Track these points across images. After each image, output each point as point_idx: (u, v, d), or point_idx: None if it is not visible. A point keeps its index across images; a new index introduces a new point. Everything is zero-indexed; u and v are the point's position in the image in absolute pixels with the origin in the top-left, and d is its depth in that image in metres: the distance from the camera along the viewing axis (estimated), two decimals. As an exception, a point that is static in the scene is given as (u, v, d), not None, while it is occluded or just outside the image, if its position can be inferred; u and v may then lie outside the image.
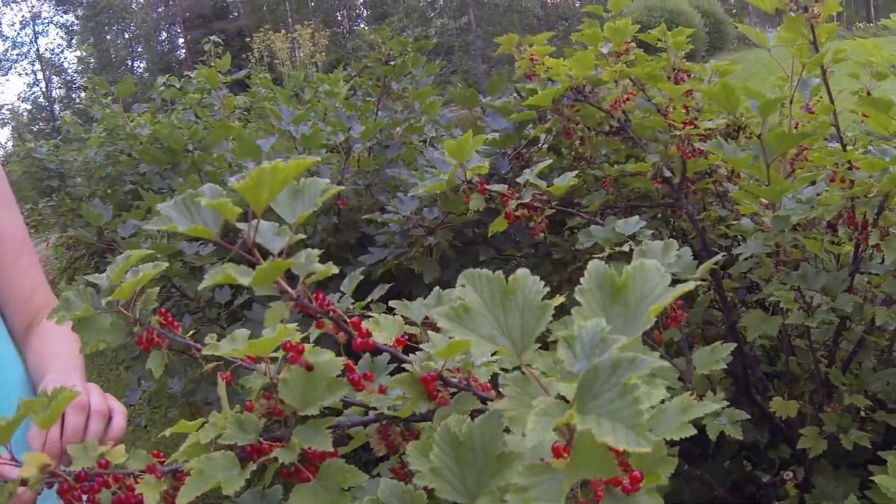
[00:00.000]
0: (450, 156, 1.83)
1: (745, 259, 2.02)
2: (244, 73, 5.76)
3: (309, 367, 1.06)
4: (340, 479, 0.98)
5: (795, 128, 2.11)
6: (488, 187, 1.91)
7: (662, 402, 0.90)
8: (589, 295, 0.80)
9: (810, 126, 1.93)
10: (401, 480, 0.94)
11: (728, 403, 1.52)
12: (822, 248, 1.98)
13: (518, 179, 1.93)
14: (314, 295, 1.00)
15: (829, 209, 1.82)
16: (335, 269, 0.99)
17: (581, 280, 0.81)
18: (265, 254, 0.95)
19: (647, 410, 0.61)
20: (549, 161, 2.03)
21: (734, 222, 2.18)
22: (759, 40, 2.03)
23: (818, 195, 1.93)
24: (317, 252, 0.98)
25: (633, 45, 2.45)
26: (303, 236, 0.96)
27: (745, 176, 2.42)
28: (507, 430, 0.79)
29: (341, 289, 2.01)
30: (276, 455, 0.98)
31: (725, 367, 1.58)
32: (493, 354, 1.00)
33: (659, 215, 2.64)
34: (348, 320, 1.03)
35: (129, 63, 42.46)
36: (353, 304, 1.93)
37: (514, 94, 3.28)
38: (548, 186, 1.90)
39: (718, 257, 1.59)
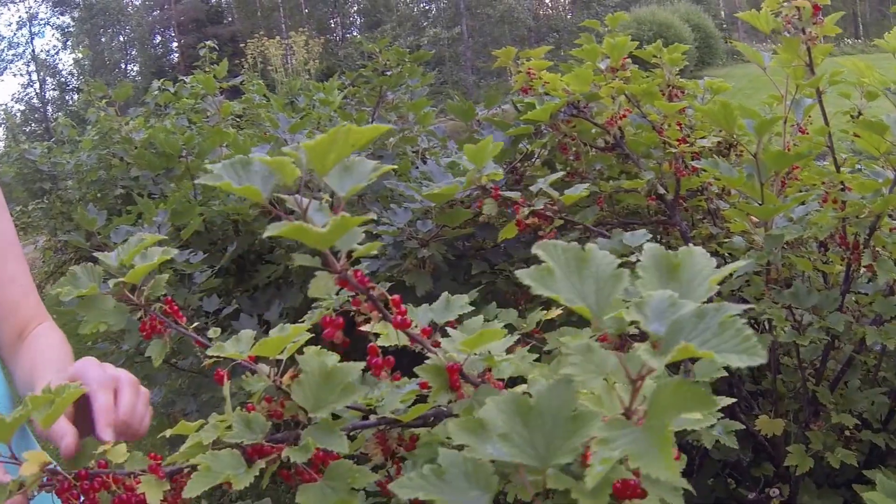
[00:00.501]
0: (469, 160, 1.84)
1: (737, 275, 2.02)
2: (240, 79, 5.74)
3: (346, 343, 1.05)
4: (350, 479, 0.98)
5: (789, 148, 2.12)
6: (502, 193, 1.92)
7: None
8: (648, 272, 0.84)
9: (805, 147, 1.94)
10: (386, 494, 0.94)
11: (722, 415, 1.53)
12: (813, 266, 1.99)
13: (531, 188, 1.94)
14: (354, 272, 0.99)
15: (822, 229, 1.83)
16: (375, 250, 0.99)
17: (640, 259, 0.86)
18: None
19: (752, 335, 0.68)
20: (561, 174, 2.05)
21: (726, 240, 2.19)
22: (756, 59, 2.04)
23: (808, 214, 1.94)
24: (361, 229, 0.95)
25: (629, 60, 2.46)
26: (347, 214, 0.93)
27: (735, 193, 2.43)
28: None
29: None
30: (287, 454, 0.98)
31: (711, 384, 1.58)
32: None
33: (649, 232, 2.65)
34: (388, 297, 1.02)
35: (123, 66, 42.36)
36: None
37: (500, 108, 3.29)
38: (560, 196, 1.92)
39: (740, 263, 1.60)
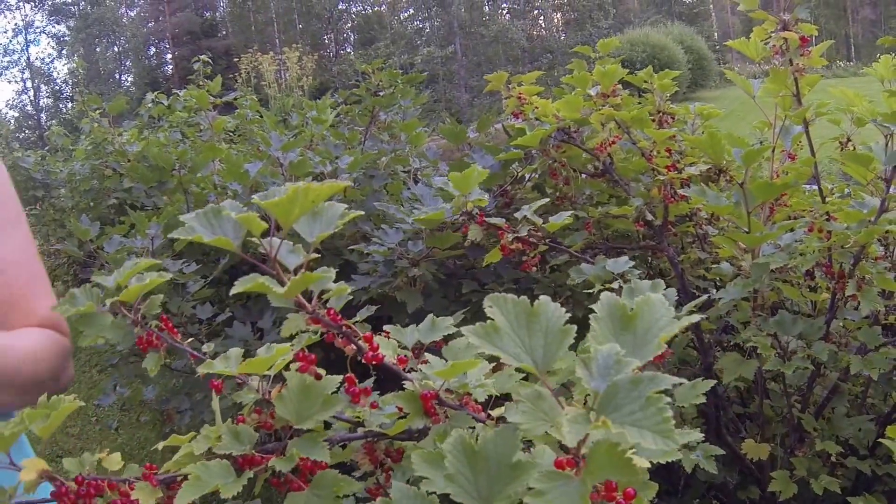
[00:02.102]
0: (454, 187, 1.87)
1: (724, 302, 2.04)
2: (234, 95, 5.76)
3: (318, 377, 1.10)
4: (335, 488, 1.01)
5: (777, 175, 2.14)
6: (487, 219, 1.94)
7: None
8: (601, 322, 0.86)
9: (791, 177, 1.96)
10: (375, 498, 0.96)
11: (703, 439, 1.54)
12: (800, 294, 2.01)
13: (516, 215, 1.97)
14: (326, 311, 1.06)
15: (807, 259, 1.85)
16: (348, 289, 1.07)
17: (594, 308, 0.87)
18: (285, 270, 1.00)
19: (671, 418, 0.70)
20: (546, 200, 2.07)
21: (714, 265, 2.21)
22: (745, 87, 2.07)
23: (797, 242, 1.96)
24: (333, 271, 1.04)
25: (619, 86, 2.48)
26: (316, 255, 1.02)
27: (724, 219, 2.45)
28: (527, 446, 0.83)
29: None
30: (272, 464, 1.02)
31: (697, 406, 1.60)
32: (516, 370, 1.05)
33: (637, 256, 2.66)
34: (360, 334, 1.07)
35: (118, 76, 42.41)
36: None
37: (494, 128, 3.31)
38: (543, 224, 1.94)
39: (702, 299, 1.62)
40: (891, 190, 1.78)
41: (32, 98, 42.89)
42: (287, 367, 1.16)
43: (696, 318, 0.87)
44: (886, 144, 1.86)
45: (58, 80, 42.33)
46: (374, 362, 1.06)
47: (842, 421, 1.96)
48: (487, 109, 28.50)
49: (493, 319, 0.85)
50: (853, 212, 1.76)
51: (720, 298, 1.99)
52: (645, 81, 2.57)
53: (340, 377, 1.11)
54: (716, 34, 45.13)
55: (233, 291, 0.93)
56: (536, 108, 2.48)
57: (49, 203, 7.91)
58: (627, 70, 2.47)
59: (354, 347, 1.07)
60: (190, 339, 1.48)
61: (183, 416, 3.17)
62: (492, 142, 3.03)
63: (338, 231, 2.83)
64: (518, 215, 1.95)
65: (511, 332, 0.85)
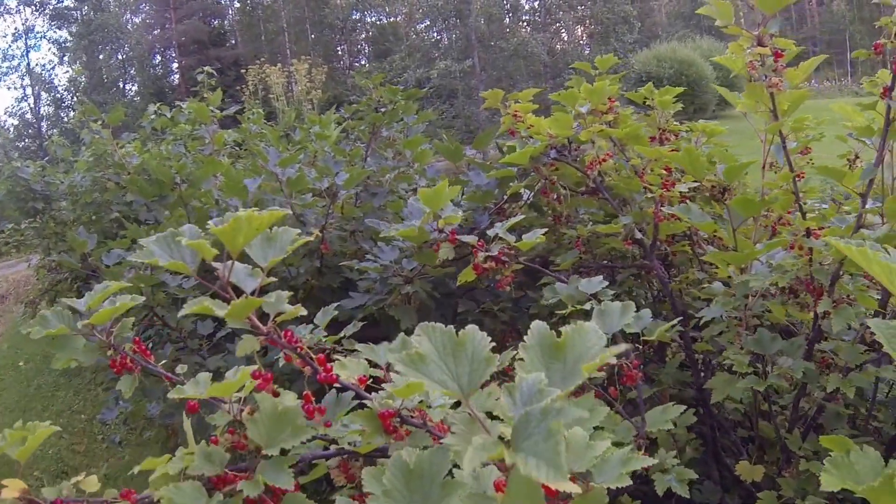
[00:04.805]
0: (424, 204, 1.94)
1: (717, 323, 2.12)
2: (235, 108, 5.89)
3: (275, 394, 1.20)
4: None
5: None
6: (458, 237, 2.02)
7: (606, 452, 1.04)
8: (531, 351, 0.93)
9: (774, 193, 2.06)
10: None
11: (678, 462, 1.64)
12: (786, 314, 2.08)
13: (489, 232, 2.04)
14: (283, 332, 1.15)
15: (785, 276, 1.92)
16: (303, 311, 1.17)
17: (525, 337, 0.94)
18: (240, 292, 1.11)
19: (565, 451, 0.75)
20: (522, 217, 2.15)
21: (707, 285, 2.29)
22: (733, 101, 2.16)
23: (790, 259, 2.03)
24: (287, 294, 1.14)
25: (617, 103, 2.57)
26: (274, 279, 1.13)
27: (721, 238, 2.54)
28: (455, 466, 0.92)
29: (314, 321, 2.14)
30: (241, 488, 1.11)
31: (693, 427, 1.70)
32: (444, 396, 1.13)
33: (636, 275, 2.76)
34: (314, 356, 1.17)
35: (121, 85, 42.66)
36: (325, 336, 2.06)
37: (496, 143, 3.42)
38: (516, 241, 2.01)
39: (675, 322, 1.71)
40: (867, 205, 1.86)
41: (32, 106, 43.20)
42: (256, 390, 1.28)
43: (623, 347, 0.91)
44: (878, 161, 1.95)
45: (59, 88, 42.62)
46: (328, 383, 1.17)
47: (830, 446, 2.03)
48: (487, 131, 28.27)
49: (418, 348, 0.92)
50: (833, 228, 1.84)
51: (713, 317, 2.08)
52: (646, 99, 2.67)
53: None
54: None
55: (181, 314, 1.05)
56: (530, 125, 2.59)
57: (50, 215, 7.98)
58: (623, 87, 2.57)
59: (310, 368, 1.17)
60: (179, 356, 1.59)
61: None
62: (494, 160, 3.14)
63: (339, 249, 2.94)
64: (490, 233, 2.02)
65: (438, 360, 0.92)
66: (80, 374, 6.88)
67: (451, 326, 0.95)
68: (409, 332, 2.49)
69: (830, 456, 1.05)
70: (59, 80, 43.04)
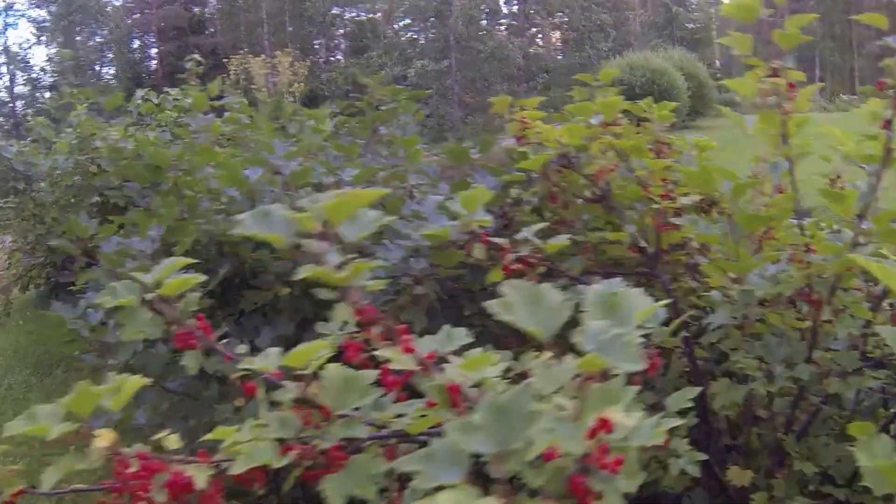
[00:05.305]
0: (462, 206, 2.05)
1: (714, 329, 2.22)
2: (232, 99, 5.90)
3: (364, 365, 1.33)
4: (369, 469, 1.22)
5: (766, 207, 2.34)
6: (490, 239, 2.11)
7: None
8: (593, 307, 1.16)
9: (775, 210, 2.16)
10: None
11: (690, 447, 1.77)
12: (783, 322, 2.19)
13: (517, 236, 2.14)
14: (368, 308, 1.28)
15: (788, 286, 2.06)
16: (381, 285, 1.33)
17: (587, 297, 1.18)
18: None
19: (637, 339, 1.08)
20: (546, 224, 2.24)
21: (704, 294, 2.39)
22: (738, 124, 2.27)
23: (781, 272, 2.15)
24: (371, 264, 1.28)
25: (619, 114, 2.67)
26: (355, 255, 1.23)
27: (715, 250, 2.64)
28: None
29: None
30: (316, 441, 1.22)
31: (690, 436, 1.80)
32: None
33: (637, 283, 2.84)
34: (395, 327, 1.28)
35: (98, 68, 42.22)
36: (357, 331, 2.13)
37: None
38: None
39: (685, 316, 1.80)
40: (863, 225, 1.99)
41: (8, 85, 42.60)
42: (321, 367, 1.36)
43: (663, 302, 1.21)
44: (870, 185, 2.08)
45: (34, 68, 42.03)
46: (408, 353, 1.25)
47: (822, 450, 2.14)
48: (481, 127, 28.87)
49: (508, 297, 1.17)
50: (830, 244, 1.98)
51: (710, 323, 2.18)
52: (644, 111, 2.77)
53: (377, 371, 1.31)
54: (717, 62, 45.55)
55: (299, 276, 1.14)
56: (539, 132, 2.68)
57: (29, 196, 7.89)
58: (626, 96, 2.67)
59: (389, 341, 1.25)
60: (226, 340, 1.66)
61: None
62: (487, 162, 3.21)
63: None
64: (519, 236, 2.13)
65: (523, 307, 1.16)
66: (52, 373, 6.59)
67: (532, 282, 1.21)
68: (421, 334, 2.54)
69: (859, 440, 1.33)
70: (37, 60, 42.52)
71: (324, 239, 1.19)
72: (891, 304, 2.19)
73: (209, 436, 1.32)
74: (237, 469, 1.15)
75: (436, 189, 3.87)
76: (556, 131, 2.55)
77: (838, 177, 2.77)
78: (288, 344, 3.14)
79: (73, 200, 6.52)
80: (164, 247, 3.44)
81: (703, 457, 1.77)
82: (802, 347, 2.09)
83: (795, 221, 2.39)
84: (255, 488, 1.29)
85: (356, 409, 1.31)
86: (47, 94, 35.39)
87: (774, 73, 2.08)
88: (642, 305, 1.15)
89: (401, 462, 1.05)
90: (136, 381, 1.22)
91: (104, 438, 1.14)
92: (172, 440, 1.25)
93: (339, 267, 1.20)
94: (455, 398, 1.23)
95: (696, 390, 1.68)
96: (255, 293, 3.45)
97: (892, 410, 2.21)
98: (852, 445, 2.19)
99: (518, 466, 1.01)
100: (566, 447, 1.00)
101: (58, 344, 6.84)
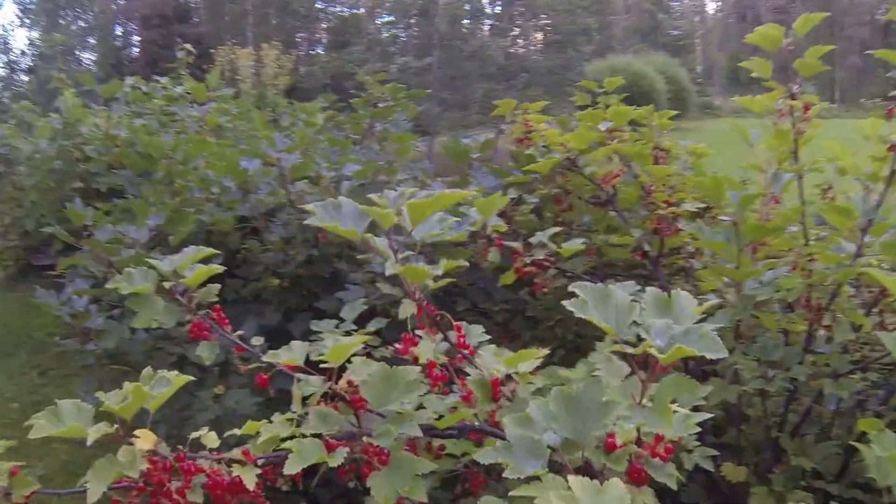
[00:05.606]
0: (479, 212, 2.09)
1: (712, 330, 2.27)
2: (232, 91, 5.88)
3: (416, 360, 1.37)
4: (414, 468, 1.24)
5: (767, 216, 2.40)
6: (505, 243, 2.15)
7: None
8: (649, 306, 1.26)
9: (779, 220, 2.22)
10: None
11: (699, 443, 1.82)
12: (777, 325, 2.25)
13: (530, 240, 2.17)
14: (426, 304, 1.34)
15: (791, 293, 2.14)
16: (445, 283, 1.38)
17: (644, 296, 1.28)
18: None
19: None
20: (559, 229, 2.28)
21: (700, 297, 2.44)
22: (745, 136, 2.35)
23: (777, 279, 2.21)
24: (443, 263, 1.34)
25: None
26: (411, 253, 1.28)
27: (707, 255, 2.70)
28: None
29: (341, 315, 2.21)
30: (373, 440, 1.23)
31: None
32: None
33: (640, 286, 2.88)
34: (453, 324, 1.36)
35: (77, 53, 41.62)
36: (354, 329, 2.14)
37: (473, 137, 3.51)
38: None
39: (712, 302, 1.86)
40: (865, 238, 2.07)
41: (-14, 66, 41.90)
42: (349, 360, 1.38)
43: (714, 302, 1.34)
44: (863, 198, 2.16)
45: (14, 50, 41.37)
46: (463, 349, 1.28)
47: (811, 448, 2.21)
48: (458, 124, 28.94)
49: (582, 296, 1.22)
50: (832, 255, 2.05)
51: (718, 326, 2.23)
52: (644, 118, 2.82)
53: (418, 367, 1.33)
54: (699, 67, 45.83)
55: (388, 273, 1.24)
56: (543, 135, 2.72)
57: (9, 180, 7.80)
58: (619, 101, 2.73)
59: (441, 336, 1.28)
60: (239, 333, 1.65)
61: (157, 428, 3.18)
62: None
63: (328, 239, 2.98)
64: (534, 240, 2.17)
65: (594, 306, 1.22)
66: (16, 353, 6.39)
67: (600, 284, 1.28)
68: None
69: (868, 434, 1.48)
70: (17, 43, 41.93)
71: (393, 235, 1.22)
72: (880, 311, 2.26)
73: (240, 431, 1.33)
74: (292, 469, 1.15)
75: (427, 186, 3.90)
76: (564, 136, 2.59)
77: (830, 188, 2.84)
78: (272, 333, 3.17)
79: (52, 185, 6.41)
80: (158, 234, 3.43)
81: (714, 452, 1.88)
82: (797, 349, 2.17)
83: (791, 230, 2.46)
84: (279, 485, 1.29)
85: (403, 404, 1.32)
86: (26, 79, 34.86)
87: (792, 97, 2.22)
88: (691, 304, 1.25)
89: (483, 454, 1.09)
90: (181, 378, 1.22)
91: (146, 440, 1.13)
92: (212, 438, 1.24)
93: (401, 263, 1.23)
94: (497, 392, 1.27)
95: (708, 388, 1.72)
96: (238, 283, 3.46)
97: (868, 411, 2.28)
98: (839, 443, 2.29)
99: (592, 454, 1.10)
100: (653, 428, 1.11)
101: (21, 325, 6.73)
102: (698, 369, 2.49)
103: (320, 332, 2.21)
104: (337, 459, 1.20)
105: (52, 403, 4.15)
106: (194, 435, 1.25)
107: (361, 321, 2.26)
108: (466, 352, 1.36)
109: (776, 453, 2.24)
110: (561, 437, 1.11)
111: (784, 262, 2.24)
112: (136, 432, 1.14)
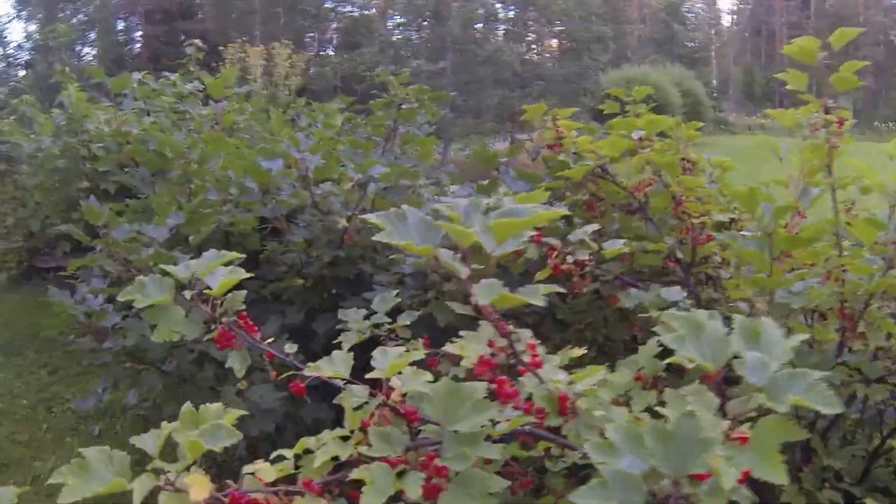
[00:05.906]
0: None
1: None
2: (246, 88, 5.96)
3: (494, 382, 1.34)
4: (486, 486, 1.23)
5: (795, 229, 2.51)
6: (545, 240, 2.24)
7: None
8: (737, 336, 1.25)
9: (812, 232, 2.33)
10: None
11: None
12: (808, 330, 2.36)
13: (569, 237, 2.26)
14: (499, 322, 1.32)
15: (826, 302, 2.25)
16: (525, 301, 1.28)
17: (733, 327, 1.26)
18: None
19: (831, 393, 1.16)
20: (597, 226, 2.37)
21: (731, 304, 2.54)
22: (775, 150, 2.45)
23: (807, 289, 2.31)
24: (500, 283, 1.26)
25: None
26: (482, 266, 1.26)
27: (733, 265, 2.79)
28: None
29: (373, 307, 2.29)
30: (447, 463, 1.23)
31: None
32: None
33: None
34: (522, 339, 1.37)
35: (78, 48, 41.71)
36: (389, 323, 2.22)
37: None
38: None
39: (801, 337, 1.99)
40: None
41: (-19, 61, 41.99)
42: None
43: (801, 337, 1.30)
44: (891, 215, 2.31)
45: (11, 44, 41.45)
46: (537, 367, 1.34)
47: (837, 451, 2.34)
48: (472, 130, 29.03)
49: (679, 330, 1.23)
50: (865, 266, 2.17)
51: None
52: (671, 130, 2.92)
53: (485, 383, 1.34)
54: (714, 81, 45.98)
55: (481, 301, 1.22)
56: (575, 142, 2.83)
57: (11, 179, 7.80)
58: (628, 110, 2.84)
59: (510, 351, 1.33)
60: (270, 341, 1.64)
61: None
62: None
63: (357, 241, 3.05)
64: (573, 237, 2.26)
65: (690, 340, 1.22)
66: (22, 353, 6.45)
67: (692, 313, 1.28)
68: (446, 328, 2.62)
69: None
70: (13, 36, 41.99)
71: (468, 253, 1.22)
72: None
73: (293, 451, 1.34)
74: (371, 502, 1.13)
75: (446, 189, 3.96)
76: (597, 143, 2.69)
77: (853, 204, 2.96)
78: (294, 332, 3.20)
79: (56, 185, 6.40)
80: (176, 234, 3.49)
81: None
82: (831, 355, 2.27)
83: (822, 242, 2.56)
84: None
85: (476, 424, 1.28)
86: (22, 74, 34.97)
87: (826, 111, 2.30)
88: (777, 334, 1.25)
89: (579, 495, 1.04)
90: (232, 416, 1.21)
91: (200, 488, 1.07)
92: (268, 471, 1.23)
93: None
94: (564, 407, 1.32)
95: (806, 435, 1.83)
96: (257, 283, 3.52)
97: (885, 423, 2.42)
98: (864, 447, 2.39)
99: (692, 489, 1.08)
100: (761, 475, 1.11)
101: (27, 326, 6.78)
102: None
103: (346, 322, 2.24)
104: (414, 491, 1.17)
105: (62, 400, 4.20)
106: (248, 469, 1.23)
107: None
108: (535, 368, 1.38)
109: (806, 453, 2.33)
110: (648, 466, 1.10)
111: (814, 272, 2.35)
112: (189, 479, 1.07)
